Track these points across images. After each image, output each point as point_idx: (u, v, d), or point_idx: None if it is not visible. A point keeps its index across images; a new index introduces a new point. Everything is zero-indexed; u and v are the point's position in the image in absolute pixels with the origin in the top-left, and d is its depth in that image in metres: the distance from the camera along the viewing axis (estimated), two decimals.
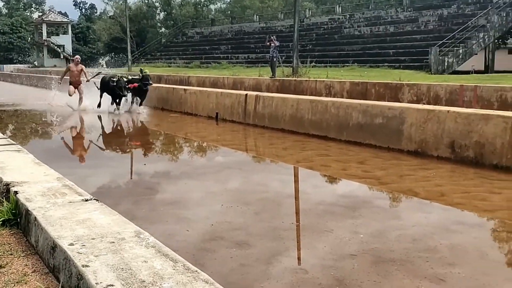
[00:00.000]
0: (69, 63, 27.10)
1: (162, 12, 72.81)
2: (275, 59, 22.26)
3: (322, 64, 29.05)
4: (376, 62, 29.95)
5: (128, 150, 11.98)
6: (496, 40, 33.05)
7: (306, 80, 19.74)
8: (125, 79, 16.98)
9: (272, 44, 22.40)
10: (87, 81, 18.23)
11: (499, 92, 13.03)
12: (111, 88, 16.85)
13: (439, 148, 9.20)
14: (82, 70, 18.22)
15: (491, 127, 8.42)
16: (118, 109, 17.28)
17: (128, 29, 44.26)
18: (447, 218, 6.14)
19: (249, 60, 41.09)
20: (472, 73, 28.27)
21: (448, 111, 9.24)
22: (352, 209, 6.38)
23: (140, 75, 17.23)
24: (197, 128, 15.28)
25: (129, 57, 41.54)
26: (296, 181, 8.61)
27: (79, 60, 18.62)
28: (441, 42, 27.33)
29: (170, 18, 70.41)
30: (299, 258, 4.83)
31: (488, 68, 32.89)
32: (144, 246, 3.02)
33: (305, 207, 6.59)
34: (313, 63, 25.97)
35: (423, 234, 5.40)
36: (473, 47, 28.79)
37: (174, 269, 2.69)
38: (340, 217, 6.02)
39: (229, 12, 70.92)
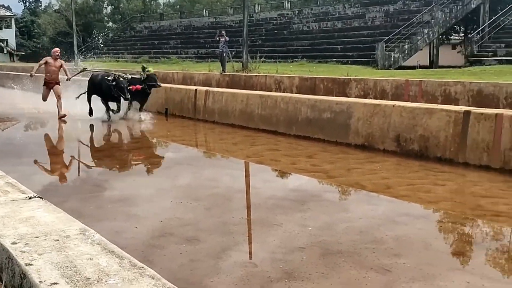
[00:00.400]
0: (13, 58, 24.85)
1: (110, 6, 71.45)
2: (224, 54, 22.18)
3: (272, 60, 29.15)
4: (325, 57, 30.21)
5: (76, 147, 11.74)
6: (440, 36, 33.88)
7: (256, 75, 19.75)
8: (124, 76, 14.04)
9: (221, 39, 22.31)
10: (68, 80, 15.09)
11: (443, 87, 13.37)
12: (107, 89, 13.76)
13: (385, 141, 9.40)
14: (61, 66, 14.90)
15: (435, 121, 8.65)
16: (113, 113, 14.33)
17: (74, 23, 43.26)
18: (393, 210, 6.29)
19: (198, 55, 40.81)
20: (417, 68, 28.85)
21: (393, 106, 9.45)
22: (301, 202, 6.45)
23: (143, 74, 14.44)
24: (146, 124, 15.08)
25: (76, 51, 40.60)
26: (247, 176, 8.64)
27: (59, 54, 15.07)
28: (388, 37, 27.79)
29: (117, 12, 69.14)
30: (248, 252, 4.86)
31: (433, 63, 33.66)
32: (89, 243, 2.98)
33: (255, 201, 6.63)
34: (263, 59, 25.99)
35: (370, 226, 5.51)
36: (418, 42, 29.44)
37: (120, 265, 2.66)
38: (289, 210, 6.07)
39: (178, 6, 70.05)
